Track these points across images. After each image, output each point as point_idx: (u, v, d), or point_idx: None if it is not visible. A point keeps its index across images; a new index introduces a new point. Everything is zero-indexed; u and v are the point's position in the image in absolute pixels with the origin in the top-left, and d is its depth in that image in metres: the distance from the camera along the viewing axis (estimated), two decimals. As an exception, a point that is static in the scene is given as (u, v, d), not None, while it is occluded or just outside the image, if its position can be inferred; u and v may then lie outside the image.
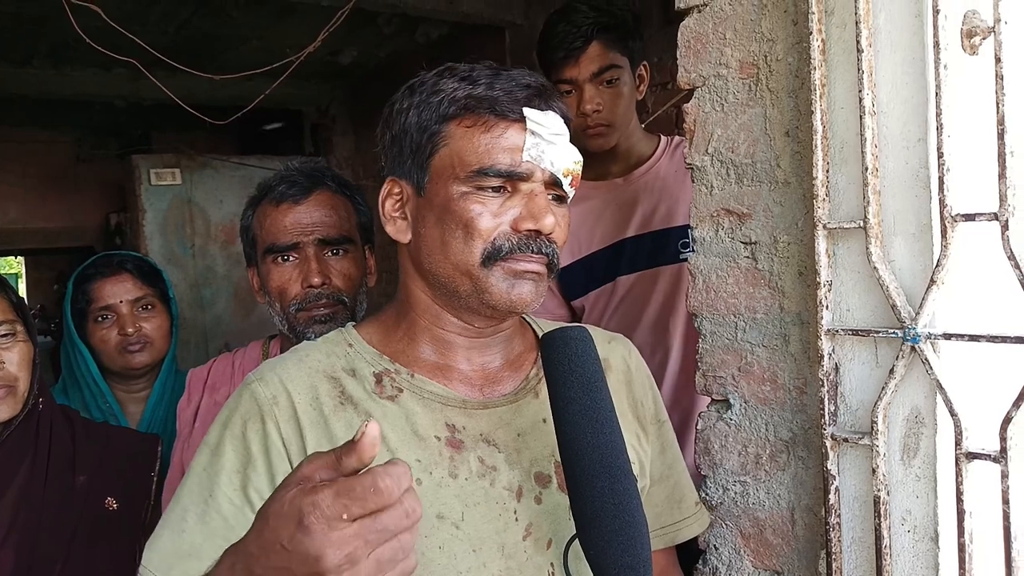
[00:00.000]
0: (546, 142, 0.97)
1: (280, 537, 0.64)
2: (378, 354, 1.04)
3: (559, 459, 0.94)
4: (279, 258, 1.51)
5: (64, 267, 11.62)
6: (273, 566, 0.65)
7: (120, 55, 2.48)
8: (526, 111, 0.97)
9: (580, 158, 1.03)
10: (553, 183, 1.00)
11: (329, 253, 1.52)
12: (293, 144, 6.83)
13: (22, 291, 13.21)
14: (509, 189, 0.98)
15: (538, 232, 0.97)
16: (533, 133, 0.97)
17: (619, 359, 1.16)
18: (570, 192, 1.02)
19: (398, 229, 1.04)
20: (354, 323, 1.11)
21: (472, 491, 0.97)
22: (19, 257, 13.95)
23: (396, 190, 1.04)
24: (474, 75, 1.00)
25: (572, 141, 1.03)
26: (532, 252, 0.97)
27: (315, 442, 0.95)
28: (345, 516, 0.62)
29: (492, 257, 0.96)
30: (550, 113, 0.99)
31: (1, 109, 6.24)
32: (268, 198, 1.54)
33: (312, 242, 1.50)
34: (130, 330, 1.98)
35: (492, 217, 0.97)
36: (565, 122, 1.02)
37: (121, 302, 1.99)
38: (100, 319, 1.99)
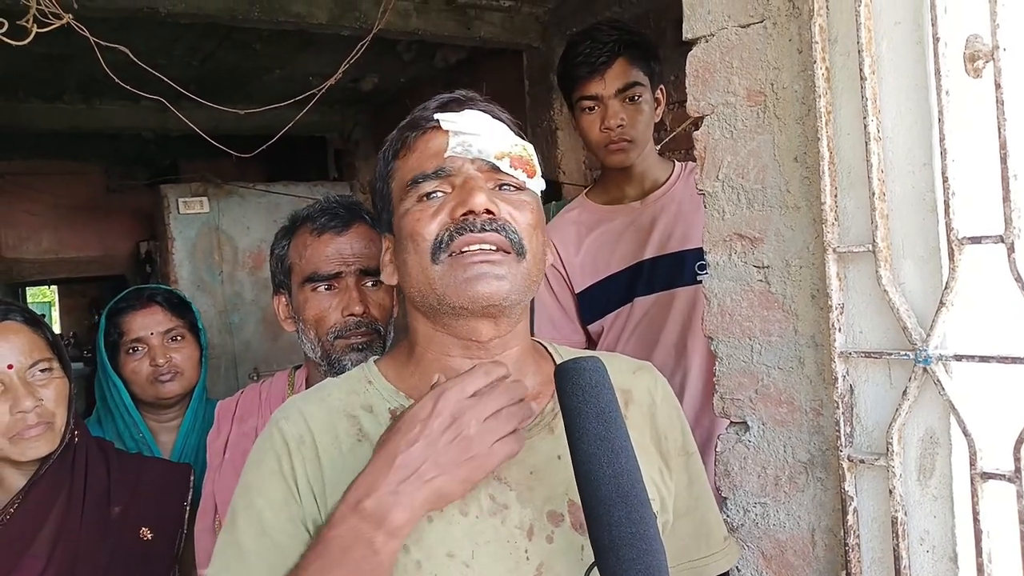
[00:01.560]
0: (470, 135, 1.01)
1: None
2: (394, 390, 1.07)
3: (572, 498, 0.94)
4: (320, 287, 1.55)
5: (96, 295, 11.84)
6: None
7: (147, 89, 2.55)
8: (438, 115, 1.03)
9: (521, 143, 1.05)
10: (492, 169, 1.02)
11: (368, 284, 1.56)
12: (317, 170, 6.93)
13: (55, 319, 13.45)
14: (448, 190, 1.01)
15: (471, 212, 0.98)
16: (454, 133, 1.01)
17: (643, 391, 1.14)
18: (518, 175, 1.03)
19: (388, 274, 1.11)
20: (376, 358, 1.14)
21: (482, 529, 0.97)
22: (52, 286, 14.21)
23: (386, 244, 1.12)
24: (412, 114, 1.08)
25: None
26: (473, 232, 0.97)
27: (333, 481, 0.97)
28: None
29: (436, 252, 0.99)
30: (467, 112, 1.03)
31: (33, 143, 6.41)
32: (308, 228, 1.58)
33: (353, 272, 1.54)
34: (161, 361, 2.03)
35: (431, 219, 1.00)
36: (494, 117, 1.05)
37: (152, 334, 2.05)
38: (132, 351, 2.05)
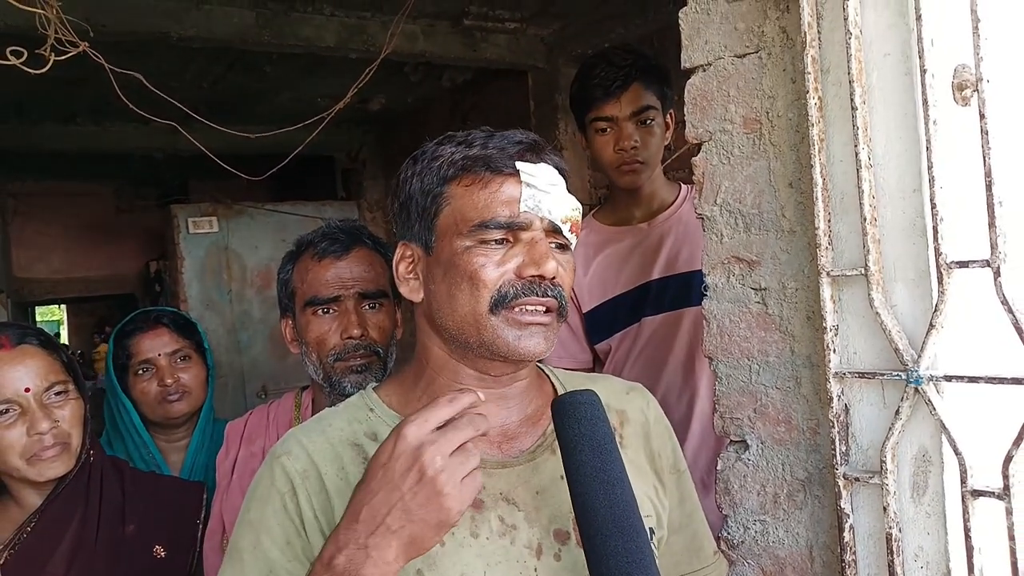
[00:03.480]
0: (542, 192, 1.02)
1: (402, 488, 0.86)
2: (397, 417, 1.07)
3: None
4: (320, 310, 1.59)
5: (104, 313, 11.92)
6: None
7: (159, 111, 2.60)
8: (519, 164, 1.02)
9: (578, 206, 1.07)
10: (553, 231, 1.04)
11: (367, 307, 1.60)
12: (325, 189, 7.00)
13: (64, 337, 13.52)
14: (511, 240, 1.02)
15: (541, 277, 1.00)
16: (528, 185, 1.01)
17: (637, 411, 1.18)
18: (571, 238, 1.06)
19: (411, 289, 1.09)
20: (374, 385, 1.15)
21: (493, 550, 1.00)
22: (61, 305, 14.29)
23: (408, 253, 1.09)
24: (470, 139, 1.06)
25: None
26: (537, 295, 1.00)
27: (342, 510, 0.98)
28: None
29: (498, 304, 1.00)
30: (542, 165, 1.04)
31: (46, 164, 6.49)
32: (310, 253, 1.62)
33: (352, 296, 1.59)
34: (169, 381, 2.07)
35: (496, 267, 1.01)
36: (560, 172, 1.07)
37: (160, 355, 2.09)
38: (140, 372, 2.09)
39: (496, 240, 1.01)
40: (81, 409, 1.55)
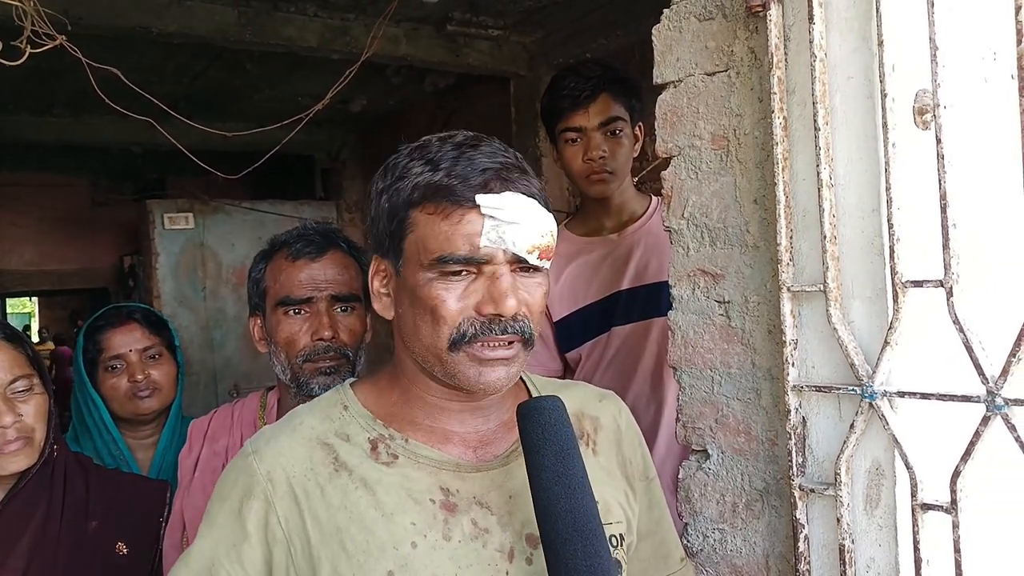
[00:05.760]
0: (506, 223, 0.98)
1: None
2: (372, 418, 1.08)
3: None
4: (291, 311, 1.59)
5: (76, 307, 11.79)
6: None
7: (137, 106, 2.59)
8: (479, 198, 0.98)
9: (552, 228, 1.03)
10: (518, 261, 1.00)
11: (339, 309, 1.61)
12: (304, 188, 6.97)
13: (34, 330, 13.37)
14: (474, 271, 1.00)
15: (499, 315, 0.98)
16: (491, 217, 0.98)
17: (610, 418, 1.19)
18: (542, 264, 1.02)
19: (384, 306, 1.08)
20: (352, 381, 1.15)
21: (465, 553, 1.00)
22: (33, 297, 14.14)
23: (382, 268, 1.08)
24: (437, 157, 1.02)
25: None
26: (497, 334, 0.98)
27: (311, 512, 1.00)
28: None
29: (457, 343, 0.99)
30: (507, 195, 0.99)
31: (21, 155, 6.42)
32: (284, 253, 1.63)
33: (325, 297, 1.59)
34: (139, 377, 2.05)
35: (456, 301, 0.99)
36: (532, 197, 1.02)
37: (131, 351, 2.07)
38: (111, 368, 2.07)
39: (454, 273, 0.99)
40: (46, 404, 1.55)
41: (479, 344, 0.99)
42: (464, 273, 0.99)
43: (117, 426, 2.09)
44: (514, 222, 0.98)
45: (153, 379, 2.08)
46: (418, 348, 1.03)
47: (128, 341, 2.08)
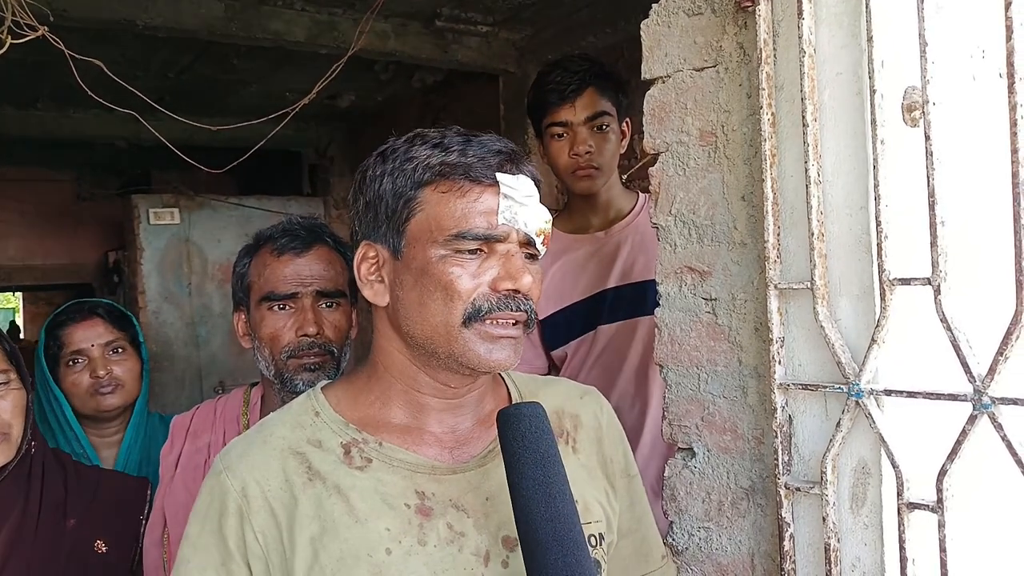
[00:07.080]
0: (519, 204, 1.01)
1: None
2: (344, 422, 1.06)
3: None
4: (276, 306, 1.57)
5: (62, 302, 11.70)
6: None
7: (122, 100, 2.56)
8: (499, 176, 1.01)
9: (549, 217, 1.07)
10: (527, 243, 1.03)
11: (324, 305, 1.59)
12: (291, 184, 6.93)
13: (19, 323, 13.26)
14: (485, 251, 1.01)
15: (516, 291, 1.00)
16: (507, 196, 1.00)
17: (590, 416, 1.19)
18: (542, 250, 1.06)
19: (376, 292, 1.06)
20: (323, 384, 1.13)
21: (441, 558, 0.99)
22: (17, 293, 14.01)
23: (371, 254, 1.06)
24: (446, 142, 1.03)
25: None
26: (512, 310, 1.00)
27: (287, 524, 0.98)
28: None
29: (472, 318, 0.99)
30: (521, 177, 1.03)
31: (4, 149, 6.35)
32: (269, 248, 1.61)
33: (310, 293, 1.57)
34: (102, 373, 2.01)
35: (471, 278, 0.99)
36: (535, 184, 1.05)
37: (93, 346, 2.03)
38: (72, 363, 2.03)
39: (470, 250, 1.00)
40: (23, 399, 1.52)
41: (490, 321, 0.99)
42: (478, 252, 1.00)
43: (80, 423, 2.04)
44: (525, 204, 1.01)
45: (115, 375, 2.03)
46: (422, 329, 1.02)
47: (90, 336, 2.04)
